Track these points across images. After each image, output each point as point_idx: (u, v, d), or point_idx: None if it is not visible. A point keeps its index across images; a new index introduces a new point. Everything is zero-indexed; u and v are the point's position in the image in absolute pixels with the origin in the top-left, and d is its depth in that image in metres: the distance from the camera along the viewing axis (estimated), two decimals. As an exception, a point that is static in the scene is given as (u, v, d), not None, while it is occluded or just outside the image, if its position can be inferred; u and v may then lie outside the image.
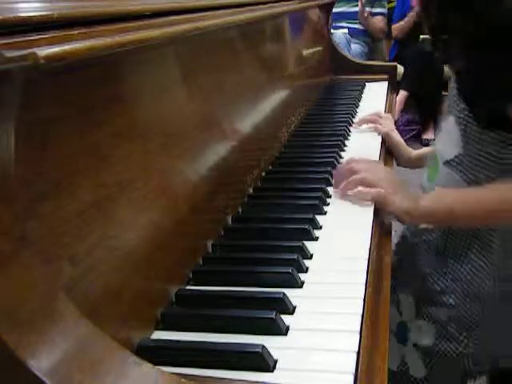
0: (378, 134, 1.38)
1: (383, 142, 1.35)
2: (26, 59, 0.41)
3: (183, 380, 0.48)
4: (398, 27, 4.09)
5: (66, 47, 0.46)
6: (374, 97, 1.85)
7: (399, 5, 4.13)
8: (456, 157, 0.96)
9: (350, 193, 0.99)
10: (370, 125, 1.44)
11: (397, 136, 1.37)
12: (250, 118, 1.12)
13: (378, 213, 0.94)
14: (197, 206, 0.79)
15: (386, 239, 0.91)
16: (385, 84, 1.97)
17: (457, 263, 1.00)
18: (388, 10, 4.06)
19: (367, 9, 3.87)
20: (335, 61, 2.11)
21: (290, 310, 0.67)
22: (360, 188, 0.97)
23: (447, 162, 0.98)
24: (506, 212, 0.88)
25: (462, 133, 0.95)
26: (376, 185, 0.96)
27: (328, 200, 1.00)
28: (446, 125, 1.00)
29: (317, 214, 0.92)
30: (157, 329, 0.66)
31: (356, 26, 3.91)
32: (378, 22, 3.94)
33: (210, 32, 0.83)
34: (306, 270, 0.77)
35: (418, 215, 0.94)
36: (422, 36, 3.83)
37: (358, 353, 0.59)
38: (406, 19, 3.99)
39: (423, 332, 1.05)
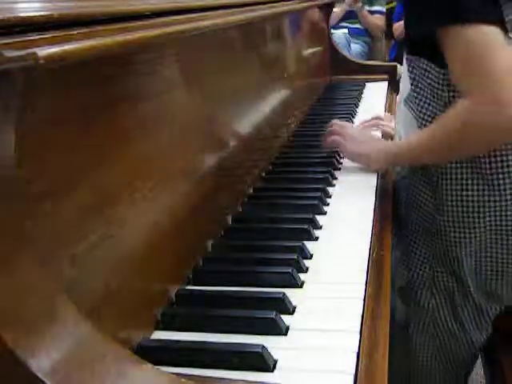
0: (379, 134, 1.38)
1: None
2: (25, 59, 0.41)
3: (183, 380, 0.48)
4: (400, 27, 4.08)
5: (66, 47, 0.46)
6: (374, 97, 1.85)
7: (400, 5, 4.12)
8: (408, 94, 1.00)
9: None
10: (373, 128, 1.45)
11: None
12: (250, 118, 1.12)
13: (378, 211, 0.94)
14: (197, 205, 0.79)
15: (386, 239, 0.91)
16: (385, 84, 1.97)
17: (409, 202, 1.06)
18: (388, 9, 4.05)
19: (366, 7, 3.87)
20: (335, 61, 2.11)
21: (290, 310, 0.67)
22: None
23: (404, 101, 1.02)
24: (441, 147, 0.94)
25: (409, 68, 0.98)
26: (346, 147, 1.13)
27: (328, 200, 1.00)
28: (404, 64, 1.03)
29: (317, 214, 0.92)
30: (157, 329, 0.66)
31: (356, 25, 3.91)
32: (378, 20, 3.94)
33: (210, 32, 0.83)
34: (306, 270, 0.77)
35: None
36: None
37: (358, 353, 0.59)
38: None
39: (400, 276, 1.09)
